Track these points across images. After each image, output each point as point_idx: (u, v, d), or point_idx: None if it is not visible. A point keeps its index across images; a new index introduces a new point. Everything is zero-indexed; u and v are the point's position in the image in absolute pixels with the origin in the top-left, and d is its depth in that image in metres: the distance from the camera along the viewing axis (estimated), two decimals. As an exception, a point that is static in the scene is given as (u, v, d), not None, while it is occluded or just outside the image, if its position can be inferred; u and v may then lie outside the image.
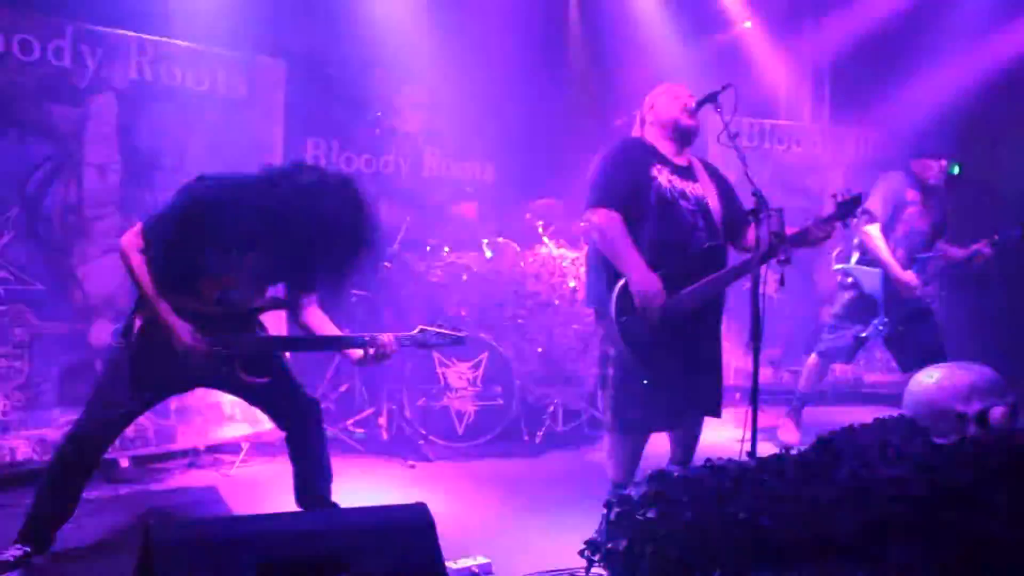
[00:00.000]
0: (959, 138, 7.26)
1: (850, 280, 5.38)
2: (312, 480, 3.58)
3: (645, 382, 3.70)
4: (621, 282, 3.66)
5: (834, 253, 5.67)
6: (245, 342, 3.36)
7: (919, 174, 5.30)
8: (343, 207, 3.21)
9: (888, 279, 5.17)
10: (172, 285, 3.24)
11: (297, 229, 3.15)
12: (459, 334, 3.64)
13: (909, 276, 5.14)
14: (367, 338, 3.44)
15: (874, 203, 5.24)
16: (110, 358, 3.41)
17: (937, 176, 5.28)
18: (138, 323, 3.27)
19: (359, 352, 3.49)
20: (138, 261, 3.21)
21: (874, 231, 5.18)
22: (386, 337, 3.43)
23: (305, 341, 3.61)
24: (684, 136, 3.88)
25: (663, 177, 3.76)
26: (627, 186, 3.73)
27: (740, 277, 3.70)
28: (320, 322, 3.54)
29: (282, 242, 3.20)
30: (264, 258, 3.31)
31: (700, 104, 3.79)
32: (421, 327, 3.59)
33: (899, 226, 5.25)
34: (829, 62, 8.12)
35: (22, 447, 4.36)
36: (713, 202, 3.85)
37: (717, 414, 3.92)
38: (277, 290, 3.65)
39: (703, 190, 3.85)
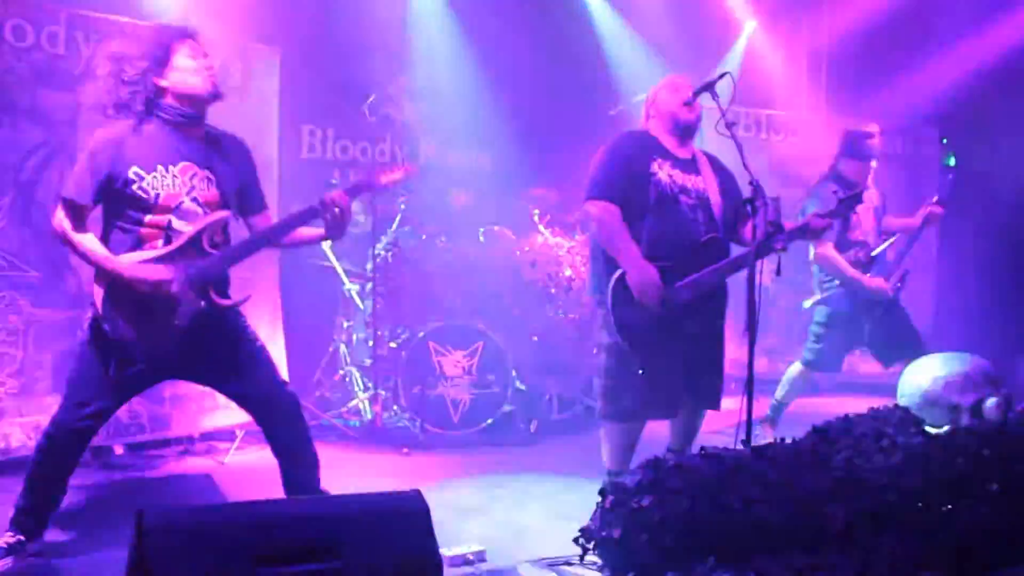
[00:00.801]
0: (956, 128, 7.28)
1: (822, 307, 5.21)
2: (297, 472, 3.51)
3: (640, 371, 3.71)
4: (618, 273, 3.68)
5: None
6: (210, 263, 3.27)
7: (849, 176, 5.06)
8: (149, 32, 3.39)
9: (854, 294, 5.03)
10: (116, 246, 3.20)
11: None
12: (401, 168, 3.60)
13: (878, 282, 4.99)
14: (318, 203, 3.33)
15: None
16: (79, 348, 3.30)
17: (863, 175, 5.07)
18: (100, 292, 3.16)
19: (319, 230, 3.43)
20: (76, 234, 3.16)
21: (827, 251, 4.99)
22: (335, 193, 3.32)
23: (261, 237, 3.45)
24: (684, 130, 3.89)
25: (663, 172, 3.77)
26: (626, 181, 3.75)
27: (739, 269, 3.69)
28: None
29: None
30: (181, 156, 3.27)
31: (697, 93, 3.78)
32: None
33: (851, 233, 5.07)
34: (827, 52, 8.11)
35: (16, 434, 4.36)
36: (714, 196, 3.85)
37: (716, 407, 3.93)
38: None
39: (705, 184, 3.86)
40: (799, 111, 7.90)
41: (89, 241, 3.18)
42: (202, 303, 3.24)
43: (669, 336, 3.71)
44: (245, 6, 5.54)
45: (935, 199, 5.17)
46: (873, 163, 5.14)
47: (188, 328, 3.24)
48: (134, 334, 3.18)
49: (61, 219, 3.18)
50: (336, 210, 3.32)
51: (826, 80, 8.19)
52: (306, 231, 3.49)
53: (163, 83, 3.25)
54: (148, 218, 3.20)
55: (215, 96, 3.33)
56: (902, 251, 5.16)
